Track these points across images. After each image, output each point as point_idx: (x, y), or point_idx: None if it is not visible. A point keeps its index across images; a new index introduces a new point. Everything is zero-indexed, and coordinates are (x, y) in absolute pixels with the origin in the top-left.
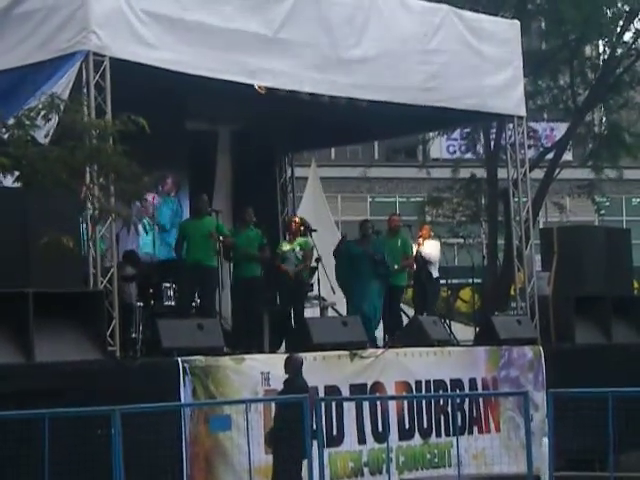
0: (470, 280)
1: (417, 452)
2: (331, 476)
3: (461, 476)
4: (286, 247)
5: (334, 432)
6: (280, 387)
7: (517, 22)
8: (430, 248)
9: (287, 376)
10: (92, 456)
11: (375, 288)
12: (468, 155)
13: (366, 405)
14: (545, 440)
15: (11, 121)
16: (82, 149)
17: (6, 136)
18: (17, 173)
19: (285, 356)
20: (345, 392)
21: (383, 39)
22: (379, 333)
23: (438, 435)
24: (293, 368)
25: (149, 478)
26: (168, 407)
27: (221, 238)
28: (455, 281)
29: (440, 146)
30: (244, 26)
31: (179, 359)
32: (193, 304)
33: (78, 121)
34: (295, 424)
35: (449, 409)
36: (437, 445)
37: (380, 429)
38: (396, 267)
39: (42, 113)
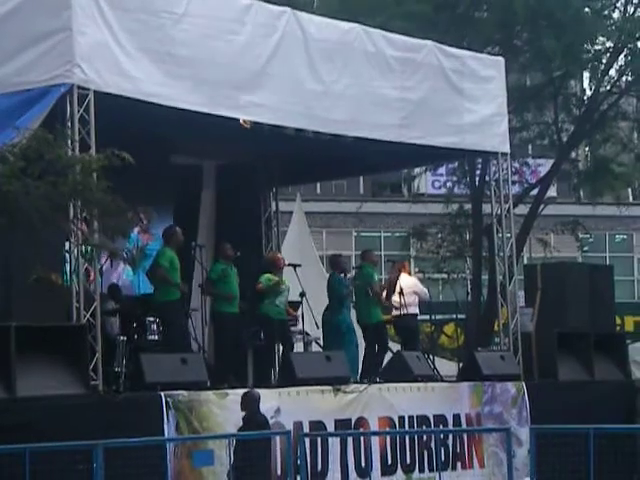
0: (454, 315)
1: None
2: None
3: None
4: (283, 284)
5: (318, 467)
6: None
7: (501, 59)
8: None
9: (244, 414)
10: None
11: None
12: (455, 190)
13: (350, 440)
14: None
15: None
16: (66, 184)
17: None
18: None
19: (242, 392)
20: (330, 427)
21: (363, 75)
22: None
23: (421, 470)
24: (250, 405)
25: None
26: (151, 441)
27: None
28: (439, 316)
29: (426, 181)
30: (230, 61)
31: (162, 393)
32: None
33: (62, 156)
34: (260, 460)
35: (432, 445)
36: None
37: (363, 464)
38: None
39: (24, 148)
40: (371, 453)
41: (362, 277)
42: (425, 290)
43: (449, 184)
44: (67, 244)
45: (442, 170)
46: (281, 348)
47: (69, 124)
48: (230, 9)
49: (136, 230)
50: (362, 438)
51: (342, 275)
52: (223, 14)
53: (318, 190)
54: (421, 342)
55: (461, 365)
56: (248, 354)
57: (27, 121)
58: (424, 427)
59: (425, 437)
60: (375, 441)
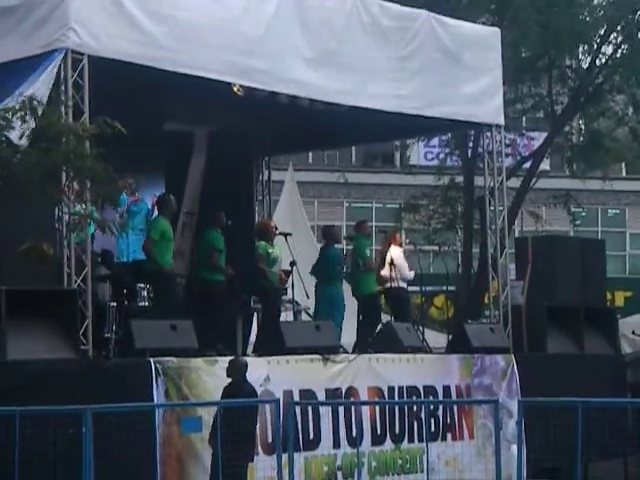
0: (444, 288)
1: (388, 457)
2: (305, 479)
3: None
4: (275, 251)
5: (310, 436)
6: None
7: (497, 30)
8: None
9: (230, 381)
10: (62, 455)
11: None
12: (447, 162)
13: (341, 410)
14: (514, 447)
15: None
16: (58, 151)
17: None
18: None
19: (229, 359)
20: (321, 396)
21: (360, 44)
22: (352, 339)
23: (410, 441)
24: (237, 372)
25: (120, 478)
26: (140, 407)
27: None
28: (429, 288)
29: (418, 153)
30: (227, 27)
31: (151, 360)
32: None
33: (54, 123)
34: (244, 428)
35: (422, 415)
36: (408, 451)
37: (354, 434)
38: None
39: (18, 114)
40: (361, 422)
41: (354, 249)
42: (406, 268)
43: (441, 156)
44: (57, 211)
45: (435, 142)
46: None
47: (63, 89)
48: None
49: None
50: (353, 408)
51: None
52: None
53: (310, 160)
54: (411, 314)
55: (450, 337)
56: (237, 322)
57: (23, 88)
58: (414, 398)
59: (415, 407)
60: (365, 411)
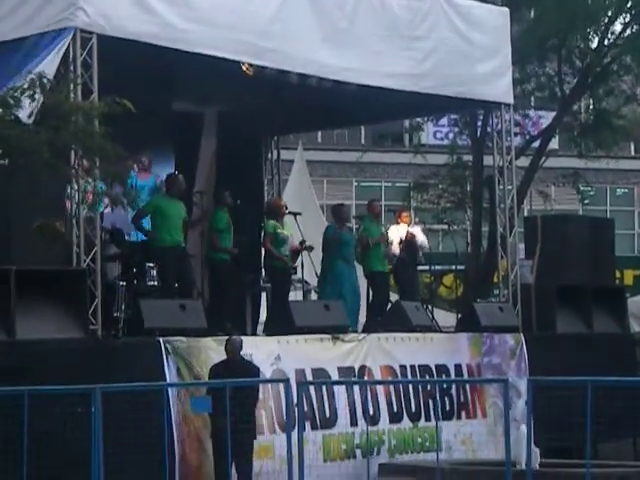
0: (453, 267)
1: (407, 435)
2: (324, 457)
3: (440, 461)
4: (284, 232)
5: (327, 414)
6: (263, 369)
7: (506, 9)
8: (421, 235)
9: (225, 358)
10: (72, 434)
11: (356, 274)
12: (457, 141)
13: (356, 388)
14: (523, 427)
15: None
16: (67, 130)
17: None
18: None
19: (226, 338)
20: (334, 375)
21: (372, 24)
22: (361, 318)
23: (428, 419)
24: (235, 350)
25: (132, 457)
26: (150, 387)
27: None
28: (438, 267)
29: (427, 132)
30: (237, 6)
31: (161, 339)
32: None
33: (63, 102)
34: (249, 407)
35: (437, 394)
36: (427, 429)
37: (371, 412)
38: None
39: (27, 93)
40: (378, 401)
41: (363, 229)
42: (425, 241)
43: (451, 135)
44: (68, 189)
45: (444, 121)
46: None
47: (72, 68)
48: None
49: (135, 168)
50: (368, 386)
51: (341, 227)
52: None
53: (319, 139)
54: (420, 292)
55: (460, 316)
56: (246, 301)
57: (31, 67)
58: (427, 377)
59: (429, 386)
60: (380, 389)
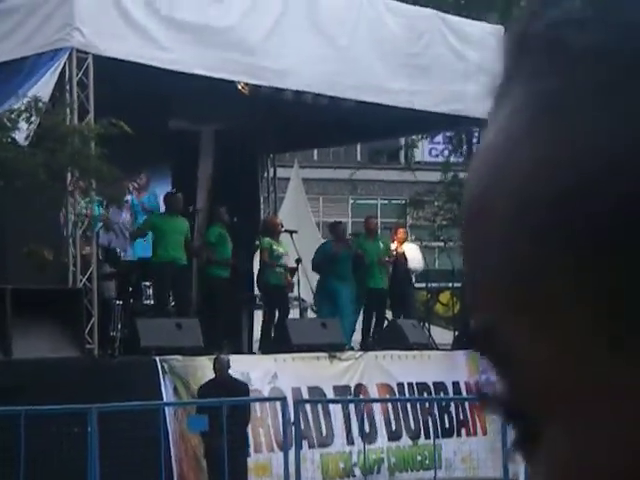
0: (450, 284)
1: (407, 454)
2: (323, 476)
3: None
4: (279, 249)
5: (323, 433)
6: (260, 387)
7: (502, 27)
8: (414, 253)
9: (213, 377)
10: (68, 453)
11: (354, 291)
12: (452, 158)
13: (352, 406)
14: None
15: None
16: (63, 152)
17: None
18: None
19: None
20: (329, 393)
21: (370, 41)
22: (356, 335)
23: (427, 437)
24: (222, 368)
25: (129, 476)
26: (146, 406)
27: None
28: (435, 284)
29: (423, 149)
30: (232, 26)
31: (157, 358)
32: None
33: (60, 124)
34: (240, 427)
35: (435, 411)
36: (426, 447)
37: (368, 430)
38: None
39: (23, 115)
40: (374, 419)
41: (358, 246)
42: (418, 259)
43: (447, 152)
44: (63, 211)
45: (439, 138)
46: (277, 314)
47: (67, 88)
48: None
49: (131, 187)
50: (363, 404)
51: (338, 245)
52: None
53: (315, 157)
54: (416, 310)
55: (456, 333)
56: (242, 318)
57: (28, 88)
58: (425, 394)
59: (427, 404)
60: (378, 407)
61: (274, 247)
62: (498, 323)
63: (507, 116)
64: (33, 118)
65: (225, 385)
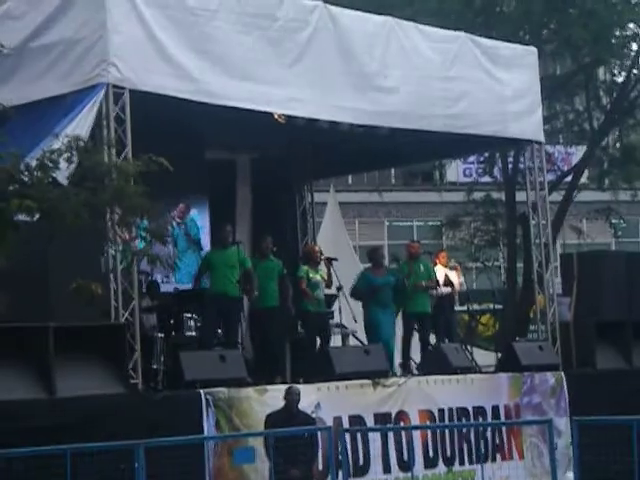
0: (490, 305)
1: None
2: None
3: None
4: (316, 276)
5: (360, 462)
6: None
7: (534, 49)
8: (457, 279)
9: (284, 406)
10: None
11: (393, 317)
12: (485, 179)
13: (391, 434)
14: (570, 475)
15: (34, 163)
16: (105, 190)
17: (27, 178)
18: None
19: (285, 387)
20: (370, 421)
21: (403, 66)
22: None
23: (462, 463)
24: (293, 399)
25: None
26: (191, 440)
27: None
28: (475, 307)
29: (457, 170)
30: (264, 57)
31: (202, 391)
32: (216, 335)
33: (100, 163)
34: (302, 456)
35: (472, 437)
36: (461, 473)
37: (405, 458)
38: (424, 283)
39: (64, 155)
40: (413, 447)
41: (402, 270)
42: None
43: (480, 172)
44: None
45: (472, 158)
46: (318, 342)
47: (105, 123)
48: (262, 4)
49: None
50: (403, 432)
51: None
52: (255, 10)
53: (350, 180)
54: (458, 333)
55: (499, 356)
56: (286, 348)
57: (66, 126)
58: (464, 419)
59: (465, 429)
60: (417, 434)
61: (310, 275)
62: None
63: None
64: (74, 158)
65: (293, 417)
